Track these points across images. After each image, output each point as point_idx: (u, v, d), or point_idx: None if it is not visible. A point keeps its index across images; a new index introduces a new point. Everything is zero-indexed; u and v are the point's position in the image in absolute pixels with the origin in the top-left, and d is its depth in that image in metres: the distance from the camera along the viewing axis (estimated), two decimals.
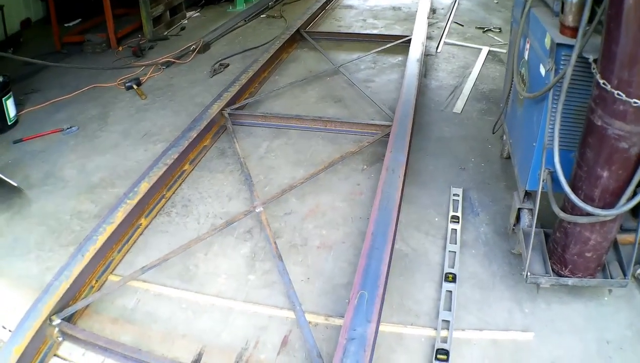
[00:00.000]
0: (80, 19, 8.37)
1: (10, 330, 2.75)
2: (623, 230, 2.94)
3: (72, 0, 8.22)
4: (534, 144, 2.92)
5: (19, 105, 5.42)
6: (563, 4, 2.57)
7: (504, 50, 6.31)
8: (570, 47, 2.47)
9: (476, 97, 5.48)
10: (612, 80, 2.22)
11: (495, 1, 8.99)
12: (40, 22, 8.38)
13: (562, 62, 2.61)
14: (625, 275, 2.85)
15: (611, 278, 2.86)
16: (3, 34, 7.33)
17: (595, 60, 2.36)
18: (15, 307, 3.00)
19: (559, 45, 2.59)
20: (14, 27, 7.75)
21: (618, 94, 2.20)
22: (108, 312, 3.09)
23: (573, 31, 2.53)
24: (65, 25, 8.10)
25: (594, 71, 2.34)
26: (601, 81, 2.26)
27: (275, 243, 3.38)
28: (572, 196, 2.52)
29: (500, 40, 7.06)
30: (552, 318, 2.94)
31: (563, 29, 2.61)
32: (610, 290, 3.05)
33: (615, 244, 2.93)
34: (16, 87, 5.57)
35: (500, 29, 7.50)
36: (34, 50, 7.09)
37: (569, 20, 2.55)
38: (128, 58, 6.91)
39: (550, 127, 2.68)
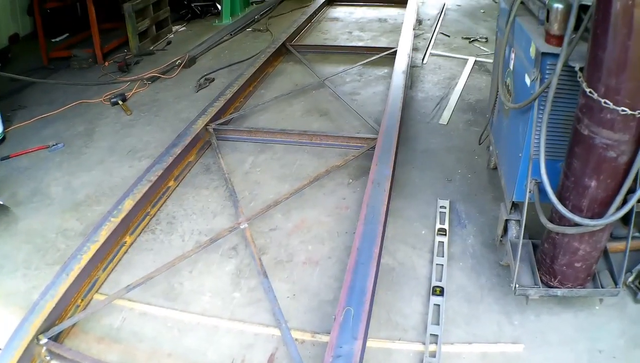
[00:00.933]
0: (67, 34, 8.30)
1: None
2: (613, 238, 2.91)
3: (59, 15, 8.15)
4: (520, 155, 2.88)
5: (6, 121, 5.37)
6: (548, 12, 2.54)
7: (491, 60, 6.30)
8: (556, 55, 2.44)
9: (462, 108, 5.46)
10: (598, 89, 2.18)
11: (482, 11, 9.03)
12: (28, 37, 8.32)
13: (547, 72, 2.57)
14: (616, 283, 2.80)
15: (602, 287, 2.81)
16: None
17: (581, 69, 2.33)
18: (3, 325, 2.94)
19: (544, 54, 2.56)
20: (2, 42, 7.72)
21: (605, 103, 2.16)
22: (94, 331, 3.04)
23: (558, 40, 2.49)
24: (53, 40, 8.02)
25: (580, 80, 2.30)
26: (587, 90, 2.22)
27: (260, 260, 3.33)
28: (560, 207, 2.48)
29: (486, 50, 7.07)
30: (542, 330, 2.90)
31: (548, 37, 2.58)
32: (601, 300, 3.01)
33: (605, 253, 2.88)
34: (3, 103, 5.56)
35: (486, 38, 7.51)
36: (22, 66, 7.04)
37: (554, 28, 2.52)
38: (114, 73, 6.85)
39: (536, 137, 2.65)
